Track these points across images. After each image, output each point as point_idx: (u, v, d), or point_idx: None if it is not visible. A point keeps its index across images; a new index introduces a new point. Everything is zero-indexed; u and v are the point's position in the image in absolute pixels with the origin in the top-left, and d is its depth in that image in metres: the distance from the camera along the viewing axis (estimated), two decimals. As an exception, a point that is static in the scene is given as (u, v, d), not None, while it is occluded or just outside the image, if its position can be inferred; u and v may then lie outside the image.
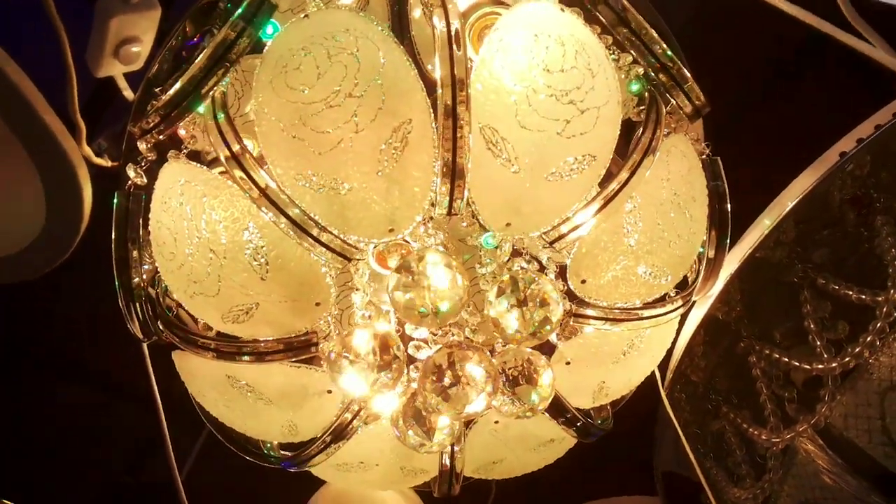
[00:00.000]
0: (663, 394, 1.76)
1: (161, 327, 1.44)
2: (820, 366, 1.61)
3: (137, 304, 1.47)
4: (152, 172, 1.41)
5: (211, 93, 1.29)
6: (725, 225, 1.49)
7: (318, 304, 1.31)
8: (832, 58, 1.63)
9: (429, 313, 1.20)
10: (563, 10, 1.27)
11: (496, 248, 1.35)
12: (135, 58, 1.39)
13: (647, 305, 1.43)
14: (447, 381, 1.24)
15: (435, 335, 1.34)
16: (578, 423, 1.53)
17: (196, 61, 1.29)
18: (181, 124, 1.40)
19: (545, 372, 1.35)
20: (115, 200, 1.44)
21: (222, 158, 1.24)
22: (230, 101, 1.34)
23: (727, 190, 1.49)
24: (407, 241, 1.36)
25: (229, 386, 1.41)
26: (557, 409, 1.50)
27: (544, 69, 1.20)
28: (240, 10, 1.24)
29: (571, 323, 1.42)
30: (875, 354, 1.57)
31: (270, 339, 1.35)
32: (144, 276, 1.46)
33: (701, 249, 1.48)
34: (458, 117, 1.18)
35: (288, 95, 1.17)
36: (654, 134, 1.33)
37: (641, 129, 1.34)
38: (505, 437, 1.56)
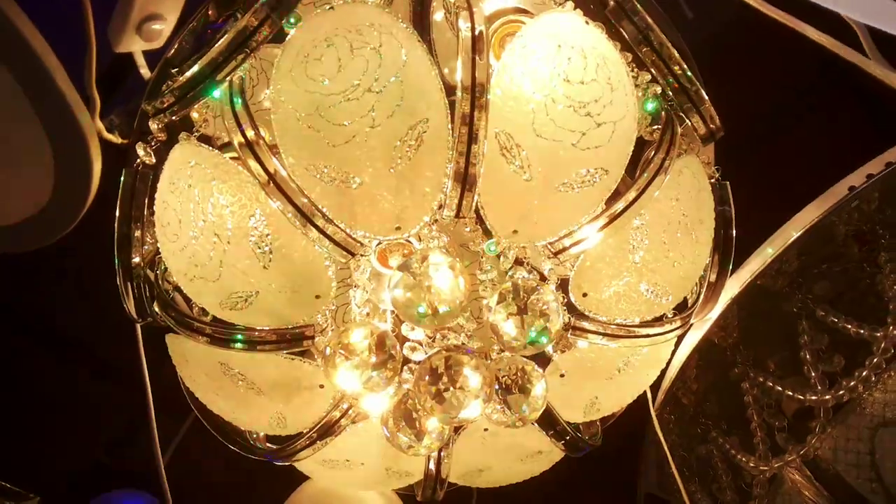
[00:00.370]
0: (653, 414, 1.76)
1: (157, 308, 1.43)
2: (813, 397, 1.61)
3: (135, 284, 1.47)
4: (161, 153, 1.41)
5: (228, 78, 1.28)
6: (729, 250, 1.50)
7: (317, 297, 1.30)
8: (848, 91, 1.64)
9: (427, 314, 1.20)
10: (587, 22, 1.28)
11: (498, 255, 1.35)
12: (156, 35, 1.38)
13: (645, 324, 1.43)
14: (442, 384, 1.23)
15: (431, 338, 1.33)
16: (567, 437, 1.53)
17: (216, 45, 1.28)
18: (195, 107, 1.41)
19: (539, 382, 1.34)
20: (123, 178, 1.43)
21: (236, 144, 1.23)
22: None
23: (734, 215, 1.50)
24: (409, 242, 1.36)
25: (221, 373, 1.40)
26: (548, 420, 1.49)
27: (565, 80, 1.20)
28: (264, -1, 1.24)
29: (569, 336, 1.42)
30: (869, 390, 1.57)
31: (266, 328, 1.34)
32: (144, 257, 1.46)
33: (702, 273, 1.48)
34: (475, 121, 1.17)
35: (307, 85, 1.17)
36: (668, 154, 1.33)
37: (655, 148, 1.34)
38: (493, 446, 1.55)
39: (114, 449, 2.40)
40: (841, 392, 1.58)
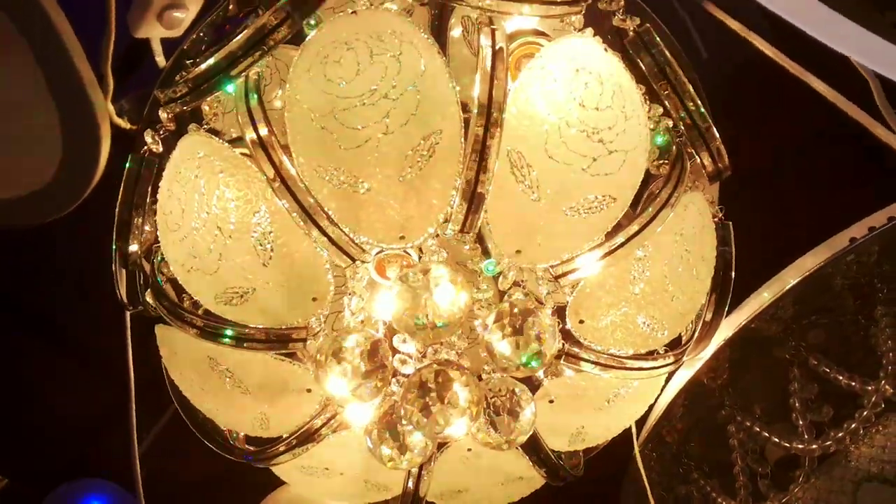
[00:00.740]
0: (637, 449, 1.74)
1: (149, 297, 1.42)
2: (800, 445, 1.60)
3: (129, 271, 1.46)
4: (168, 143, 1.41)
5: (243, 74, 1.28)
6: (727, 292, 1.50)
7: (314, 300, 1.29)
8: (856, 141, 1.65)
9: (425, 326, 1.19)
10: (606, 50, 1.28)
11: (496, 276, 1.34)
12: (177, 23, 1.38)
13: (639, 356, 1.42)
14: (430, 398, 1.22)
15: (422, 353, 1.32)
16: (550, 465, 1.51)
17: (234, 40, 1.28)
18: (206, 100, 1.40)
19: (528, 406, 1.34)
20: (128, 164, 1.42)
21: (248, 140, 1.22)
22: None
23: (734, 257, 1.50)
24: (408, 254, 1.36)
25: (209, 368, 1.38)
26: (532, 446, 1.48)
27: (580, 104, 1.21)
28: (287, -2, 1.24)
29: (562, 362, 1.41)
30: (857, 442, 1.57)
31: (259, 327, 1.33)
32: (141, 245, 1.44)
33: (699, 311, 1.48)
34: (488, 137, 1.17)
35: (324, 86, 1.17)
36: (676, 188, 1.33)
37: (663, 181, 1.34)
38: (474, 467, 1.53)
39: (88, 437, 2.36)
40: (828, 442, 1.57)
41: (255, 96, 1.24)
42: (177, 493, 2.22)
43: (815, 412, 1.63)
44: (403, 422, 1.27)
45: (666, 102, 1.35)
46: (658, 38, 1.34)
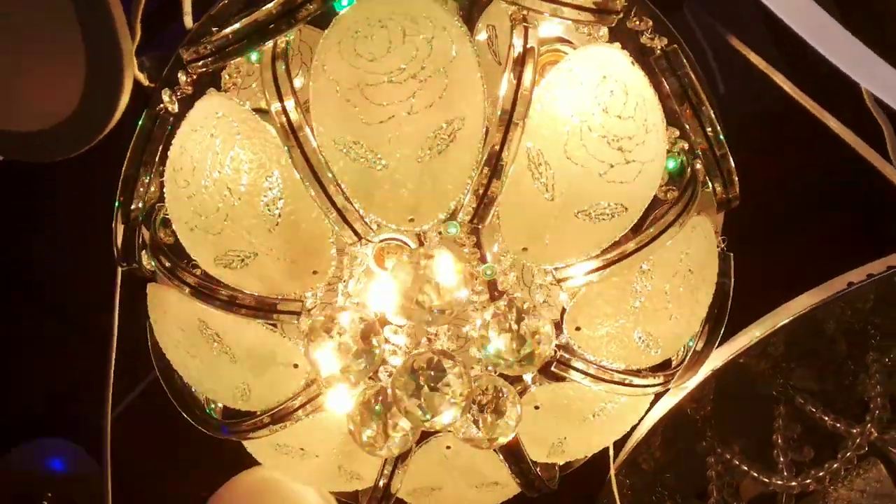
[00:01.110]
0: (612, 472, 1.73)
1: (145, 257, 1.40)
2: (779, 481, 1.60)
3: (128, 228, 1.44)
4: (184, 105, 1.39)
5: (270, 43, 1.28)
6: (721, 323, 1.50)
7: (314, 273, 1.28)
8: (868, 188, 1.67)
9: (424, 308, 1.18)
10: (633, 63, 1.29)
11: (493, 280, 1.34)
12: (210, -16, 1.38)
13: (629, 372, 1.42)
14: (423, 383, 1.21)
15: (416, 342, 1.31)
16: (527, 473, 1.50)
17: (265, 8, 1.28)
18: (227, 67, 1.40)
19: (514, 407, 1.33)
20: (141, 120, 1.41)
21: (272, 109, 1.21)
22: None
23: (732, 289, 1.50)
24: (408, 245, 1.35)
25: (198, 331, 1.37)
26: (512, 451, 1.47)
27: (604, 110, 1.21)
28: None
29: (552, 368, 1.41)
30: (836, 484, 1.56)
31: (254, 293, 1.31)
32: (144, 203, 1.43)
33: (693, 336, 1.48)
34: (510, 131, 1.18)
35: (353, 59, 1.17)
36: (686, 208, 1.33)
37: (673, 201, 1.35)
38: (451, 465, 1.52)
39: (58, 399, 2.32)
40: (808, 481, 1.57)
41: (283, 65, 1.24)
42: (143, 464, 2.18)
43: (797, 451, 1.62)
44: (391, 405, 1.26)
45: (686, 125, 1.36)
46: (685, 61, 1.36)
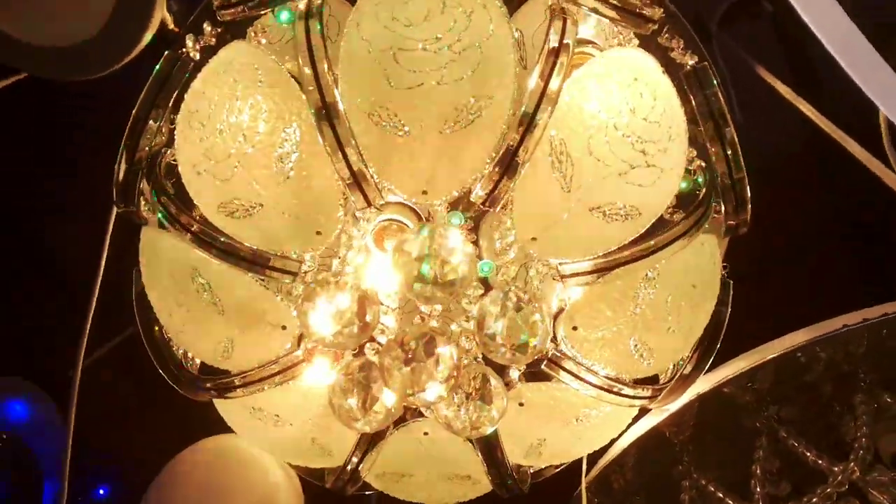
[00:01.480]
0: (584, 484, 1.71)
1: (148, 198, 1.37)
2: (753, 511, 1.58)
3: (132, 169, 1.41)
4: (205, 55, 1.37)
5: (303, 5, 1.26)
6: (712, 350, 1.48)
7: (318, 234, 1.26)
8: (878, 235, 1.67)
9: (429, 277, 1.16)
10: (662, 72, 1.29)
11: (496, 273, 1.33)
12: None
13: (618, 380, 1.40)
14: (413, 353, 1.19)
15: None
16: (501, 470, 1.47)
17: None
18: (253, 25, 1.39)
19: (500, 399, 1.31)
20: (161, 62, 1.39)
21: (300, 63, 1.18)
22: None
23: (728, 318, 1.49)
24: (407, 225, 1.33)
25: (189, 278, 1.33)
26: (489, 444, 1.44)
27: (631, 110, 1.21)
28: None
29: (543, 366, 1.39)
30: (811, 518, 1.55)
31: (253, 246, 1.29)
32: (151, 148, 1.40)
33: (687, 355, 1.47)
34: (537, 115, 1.17)
35: (389, 23, 1.16)
36: (697, 224, 1.33)
37: (685, 215, 1.34)
38: (426, 453, 1.49)
39: (31, 340, 2.26)
40: (784, 513, 1.56)
41: (319, 27, 1.21)
42: (108, 418, 2.13)
43: (774, 485, 1.61)
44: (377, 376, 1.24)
45: (707, 145, 1.35)
46: (714, 80, 1.35)
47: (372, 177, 1.21)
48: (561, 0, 1.24)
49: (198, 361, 1.53)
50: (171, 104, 1.38)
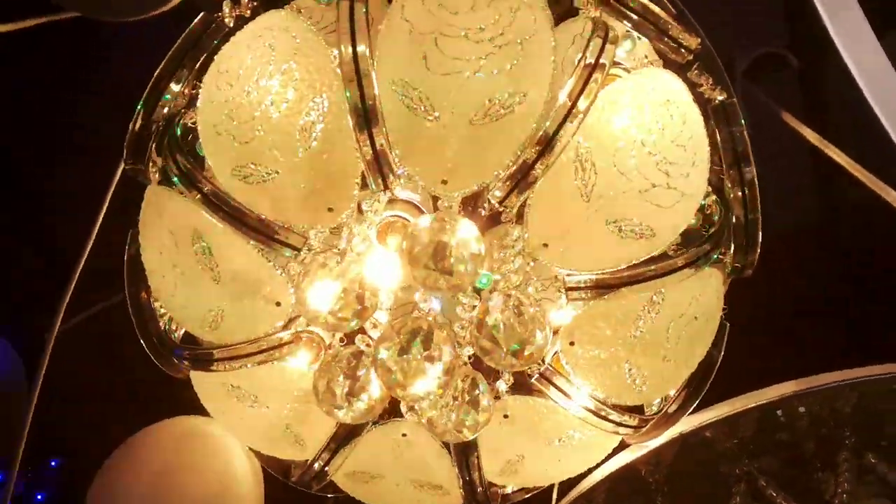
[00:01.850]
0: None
1: (162, 156, 1.34)
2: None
3: (146, 126, 1.38)
4: (240, 22, 1.36)
5: None
6: (700, 391, 1.46)
7: (329, 210, 1.23)
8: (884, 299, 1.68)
9: (435, 269, 1.14)
10: (693, 101, 1.29)
11: (491, 290, 1.30)
12: None
13: (607, 404, 1.38)
14: (409, 343, 1.17)
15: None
16: (474, 481, 1.44)
17: None
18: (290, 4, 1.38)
19: (488, 405, 1.29)
20: (193, 23, 1.37)
21: (340, 36, 1.17)
22: None
23: (719, 361, 1.48)
24: (408, 221, 1.32)
25: (189, 240, 1.30)
26: (467, 452, 1.41)
27: (661, 129, 1.21)
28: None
29: (534, 379, 1.36)
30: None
31: (260, 215, 1.26)
32: (171, 109, 1.38)
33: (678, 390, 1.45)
34: (567, 119, 1.17)
35: (434, 8, 1.15)
36: (707, 253, 1.32)
37: (696, 244, 1.33)
38: (401, 455, 1.45)
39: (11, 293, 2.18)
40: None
41: (365, 8, 1.20)
42: (76, 385, 2.06)
43: (748, 534, 1.59)
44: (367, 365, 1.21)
45: (728, 182, 1.35)
46: (741, 118, 1.36)
47: (393, 160, 1.19)
48: (603, 15, 1.24)
49: (180, 335, 1.49)
50: (196, 67, 1.37)
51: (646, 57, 1.36)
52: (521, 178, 1.20)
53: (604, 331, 1.30)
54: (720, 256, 1.38)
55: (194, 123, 1.34)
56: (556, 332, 1.31)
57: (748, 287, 1.46)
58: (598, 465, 1.60)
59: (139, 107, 1.38)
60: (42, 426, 1.86)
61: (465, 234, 1.17)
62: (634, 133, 1.19)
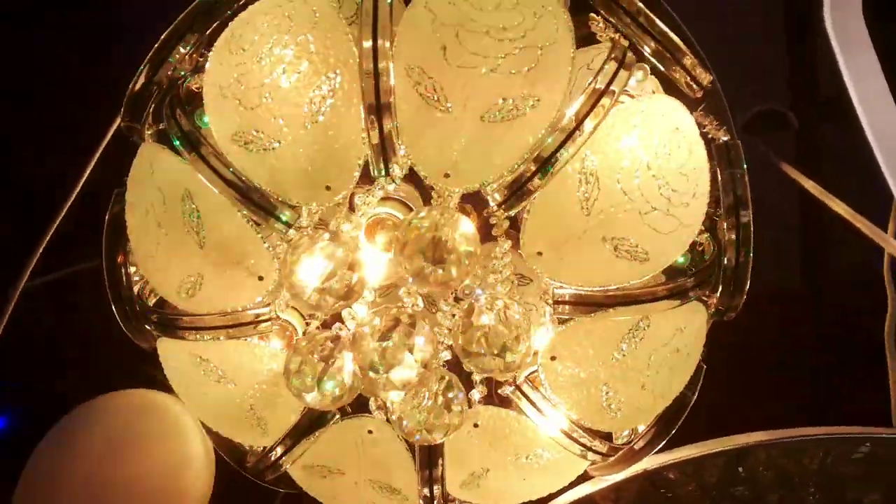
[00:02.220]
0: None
1: (167, 108, 1.32)
2: None
3: (147, 85, 1.36)
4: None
5: None
6: (669, 431, 1.44)
7: (327, 188, 1.21)
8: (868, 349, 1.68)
9: (428, 260, 1.12)
10: (699, 137, 1.29)
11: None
12: None
13: (579, 425, 1.36)
14: (391, 333, 1.14)
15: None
16: (433, 488, 1.40)
17: None
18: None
19: (461, 409, 1.26)
20: None
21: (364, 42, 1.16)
22: None
23: (692, 402, 1.46)
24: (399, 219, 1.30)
25: (178, 199, 1.26)
26: (431, 458, 1.38)
27: (667, 155, 1.21)
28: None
29: (509, 391, 1.34)
30: None
31: (254, 183, 1.23)
32: (176, 69, 1.36)
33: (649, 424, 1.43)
34: (575, 132, 1.17)
35: (459, 2, 1.15)
36: (698, 285, 1.32)
37: (688, 275, 1.32)
38: (363, 453, 1.41)
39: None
40: None
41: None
42: (35, 347, 2.00)
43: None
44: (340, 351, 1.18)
45: (725, 223, 1.34)
46: (744, 160, 1.37)
47: (398, 147, 1.18)
48: (621, 38, 1.25)
49: (152, 303, 1.46)
50: (207, 33, 1.35)
51: (653, 92, 1.37)
52: (518, 189, 1.20)
53: (587, 349, 1.28)
54: (706, 297, 1.38)
55: (199, 89, 1.33)
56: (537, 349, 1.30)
57: (728, 332, 1.46)
58: (558, 493, 1.58)
59: (144, 62, 1.36)
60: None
61: (463, 230, 1.15)
62: (641, 154, 1.19)
